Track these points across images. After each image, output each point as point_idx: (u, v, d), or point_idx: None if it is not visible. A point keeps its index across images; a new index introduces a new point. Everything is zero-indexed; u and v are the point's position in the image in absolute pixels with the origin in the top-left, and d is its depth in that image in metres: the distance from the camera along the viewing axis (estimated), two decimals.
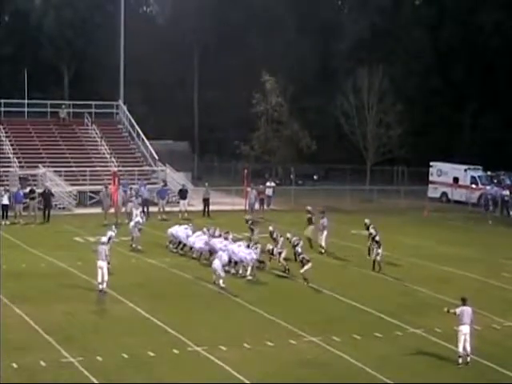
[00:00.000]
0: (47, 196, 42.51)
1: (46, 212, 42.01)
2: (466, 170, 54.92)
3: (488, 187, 52.17)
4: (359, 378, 19.38)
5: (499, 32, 62.85)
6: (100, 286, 26.61)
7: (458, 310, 20.64)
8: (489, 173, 55.17)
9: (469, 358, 20.47)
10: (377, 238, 31.13)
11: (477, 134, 63.93)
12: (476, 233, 42.99)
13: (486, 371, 20.18)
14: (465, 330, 20.49)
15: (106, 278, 26.62)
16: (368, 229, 32.78)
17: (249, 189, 46.56)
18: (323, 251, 34.23)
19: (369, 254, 32.11)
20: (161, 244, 34.63)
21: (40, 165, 48.15)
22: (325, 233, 34.51)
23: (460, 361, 20.37)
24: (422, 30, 68.09)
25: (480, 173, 54.83)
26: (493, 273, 31.19)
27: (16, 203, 41.51)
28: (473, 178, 54.28)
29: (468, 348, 20.47)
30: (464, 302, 20.84)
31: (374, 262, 30.96)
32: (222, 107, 70.44)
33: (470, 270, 31.47)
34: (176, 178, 50.65)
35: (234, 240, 31.18)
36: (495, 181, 54.30)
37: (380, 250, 30.93)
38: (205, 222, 41.27)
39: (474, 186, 53.67)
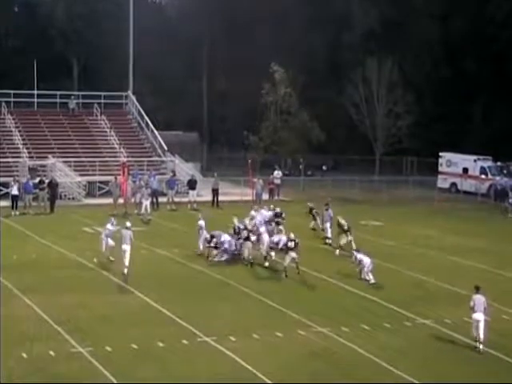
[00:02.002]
0: (53, 186, 42.53)
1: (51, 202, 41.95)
2: (475, 161, 54.74)
3: (498, 178, 52.03)
4: (369, 369, 19.34)
5: (510, 22, 62.51)
6: (125, 270, 27.16)
7: (471, 303, 20.73)
8: (498, 163, 54.96)
9: (481, 346, 20.49)
10: (345, 228, 31.96)
11: (487, 124, 63.69)
12: (486, 223, 42.83)
13: (497, 362, 20.13)
14: (478, 317, 20.55)
15: (126, 262, 27.15)
16: (310, 211, 34.30)
17: (255, 179, 46.57)
18: (330, 242, 34.19)
19: (321, 233, 33.27)
20: (170, 235, 34.59)
21: (49, 155, 48.21)
22: (328, 224, 34.51)
23: (480, 346, 20.41)
24: (432, 20, 67.76)
25: (490, 163, 54.63)
26: (504, 264, 31.10)
27: (26, 194, 41.48)
28: (482, 168, 54.11)
29: (481, 336, 20.50)
30: (477, 290, 20.97)
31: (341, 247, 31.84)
32: (231, 98, 70.37)
33: (480, 261, 31.42)
34: (185, 169, 50.65)
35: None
36: (505, 171, 54.11)
37: (349, 238, 31.84)
38: (214, 212, 41.43)
39: (483, 176, 53.51)
